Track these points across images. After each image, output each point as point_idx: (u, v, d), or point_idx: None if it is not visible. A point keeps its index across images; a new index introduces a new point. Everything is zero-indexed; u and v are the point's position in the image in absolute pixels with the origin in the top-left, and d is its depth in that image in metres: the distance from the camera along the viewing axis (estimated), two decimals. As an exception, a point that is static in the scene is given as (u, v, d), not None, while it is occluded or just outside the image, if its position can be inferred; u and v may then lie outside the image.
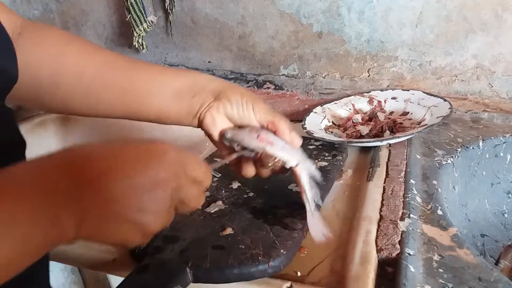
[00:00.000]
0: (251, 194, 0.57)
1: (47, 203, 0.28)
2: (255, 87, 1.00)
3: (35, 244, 0.28)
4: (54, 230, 0.29)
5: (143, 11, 0.97)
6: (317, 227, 0.47)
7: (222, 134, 0.49)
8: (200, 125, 0.50)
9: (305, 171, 0.49)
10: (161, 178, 0.33)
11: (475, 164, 0.74)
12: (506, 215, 0.76)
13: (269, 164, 0.48)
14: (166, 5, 0.97)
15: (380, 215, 0.53)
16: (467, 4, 0.78)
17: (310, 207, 0.48)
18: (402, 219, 0.52)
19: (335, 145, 0.71)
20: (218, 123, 0.49)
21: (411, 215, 0.53)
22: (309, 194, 0.48)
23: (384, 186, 0.60)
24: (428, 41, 0.83)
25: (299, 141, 0.50)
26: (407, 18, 0.82)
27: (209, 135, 0.51)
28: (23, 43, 0.49)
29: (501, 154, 0.75)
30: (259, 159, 0.49)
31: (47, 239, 0.29)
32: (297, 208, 0.52)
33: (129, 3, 0.95)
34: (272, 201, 0.55)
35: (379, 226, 0.51)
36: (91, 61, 0.51)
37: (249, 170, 0.50)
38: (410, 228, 0.51)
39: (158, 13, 1.01)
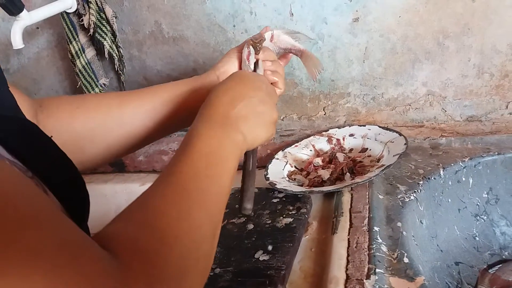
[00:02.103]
0: (217, 270, 0.56)
1: (228, 134, 0.44)
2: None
3: (236, 160, 0.43)
4: (238, 148, 0.44)
5: (93, 76, 0.96)
6: (313, 62, 0.66)
7: None
8: None
9: (283, 32, 0.65)
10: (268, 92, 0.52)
11: (439, 193, 0.74)
12: (477, 238, 0.77)
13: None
14: (116, 66, 0.96)
15: (346, 274, 0.53)
16: (409, 36, 0.80)
17: (306, 49, 0.65)
18: (368, 276, 0.52)
19: (299, 196, 0.70)
20: None
21: (377, 270, 0.53)
22: (299, 45, 0.65)
23: (348, 239, 0.59)
24: (378, 75, 0.84)
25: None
26: (353, 55, 0.83)
27: None
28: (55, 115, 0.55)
29: (463, 179, 0.76)
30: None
31: (237, 153, 0.44)
32: (265, 279, 0.51)
33: (77, 70, 0.94)
34: (240, 275, 0.53)
35: (345, 288, 0.51)
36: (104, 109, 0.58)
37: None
38: (377, 286, 0.50)
39: (110, 74, 1.00)
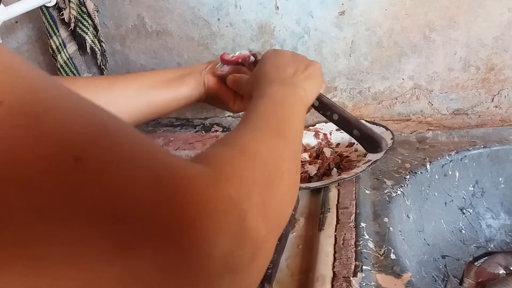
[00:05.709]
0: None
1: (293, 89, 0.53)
2: (203, 131, 0.98)
3: (302, 110, 0.53)
4: (302, 100, 0.53)
5: (75, 71, 0.94)
6: None
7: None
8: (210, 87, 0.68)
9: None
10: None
11: (426, 187, 0.74)
12: (463, 231, 0.77)
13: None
14: (99, 61, 0.94)
15: (333, 272, 0.52)
16: (395, 29, 0.79)
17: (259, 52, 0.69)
18: (355, 274, 0.51)
19: (285, 192, 0.70)
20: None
21: (363, 267, 0.52)
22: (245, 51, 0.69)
23: (335, 235, 0.59)
24: (364, 68, 0.83)
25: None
26: (340, 49, 0.83)
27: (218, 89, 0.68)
28: None
29: (450, 173, 0.76)
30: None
31: (302, 104, 0.53)
32: None
33: (59, 65, 0.92)
34: None
35: (332, 286, 0.50)
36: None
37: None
38: (364, 284, 0.50)
39: (92, 69, 0.98)
